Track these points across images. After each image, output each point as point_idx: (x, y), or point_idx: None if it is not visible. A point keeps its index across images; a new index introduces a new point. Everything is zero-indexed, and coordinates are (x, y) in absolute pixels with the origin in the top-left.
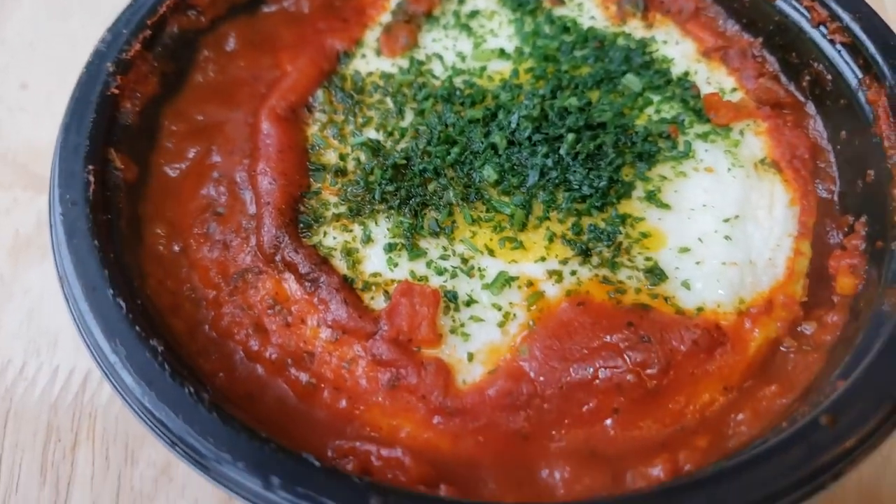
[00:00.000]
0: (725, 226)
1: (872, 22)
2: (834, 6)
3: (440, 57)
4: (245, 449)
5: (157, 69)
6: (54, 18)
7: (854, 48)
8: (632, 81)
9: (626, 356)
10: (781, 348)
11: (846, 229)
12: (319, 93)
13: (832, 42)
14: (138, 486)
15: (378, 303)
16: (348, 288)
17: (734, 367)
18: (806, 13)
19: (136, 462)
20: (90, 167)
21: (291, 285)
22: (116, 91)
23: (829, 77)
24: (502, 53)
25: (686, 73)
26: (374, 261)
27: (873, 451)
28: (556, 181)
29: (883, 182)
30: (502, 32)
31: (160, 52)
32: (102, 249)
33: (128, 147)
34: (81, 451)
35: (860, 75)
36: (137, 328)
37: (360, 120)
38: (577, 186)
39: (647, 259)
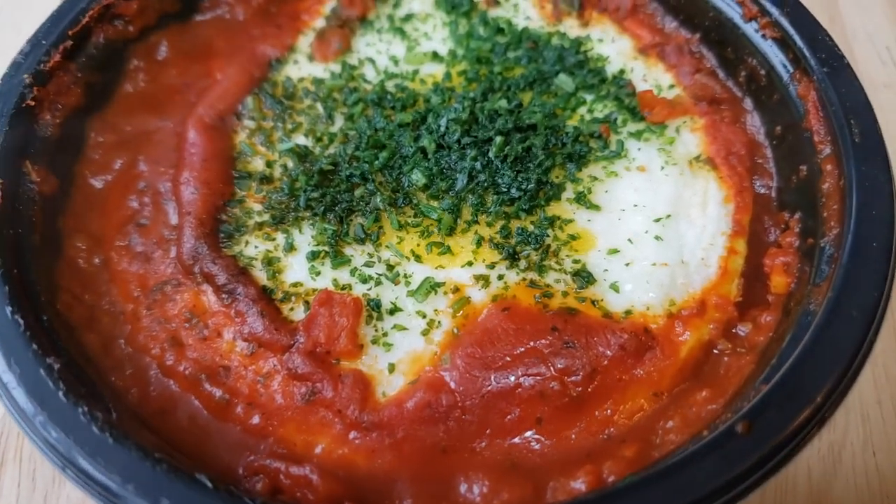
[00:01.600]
0: (657, 225)
1: (800, 16)
2: (763, 1)
3: (373, 61)
4: (136, 470)
5: (81, 80)
6: None
7: (784, 42)
8: (564, 82)
9: (549, 363)
10: (715, 351)
11: (783, 226)
12: (249, 100)
13: (764, 37)
14: None
15: (297, 314)
16: (266, 299)
17: (664, 371)
18: (738, 8)
19: (64, 483)
20: None
21: (209, 297)
22: (33, 103)
23: (763, 72)
24: (435, 56)
25: (622, 71)
26: (295, 270)
27: (793, 458)
28: (485, 184)
29: (814, 178)
30: (436, 35)
31: (85, 62)
32: (4, 265)
33: (47, 159)
34: (7, 472)
35: (791, 69)
36: (35, 346)
37: (288, 126)
38: (505, 189)
39: (576, 262)
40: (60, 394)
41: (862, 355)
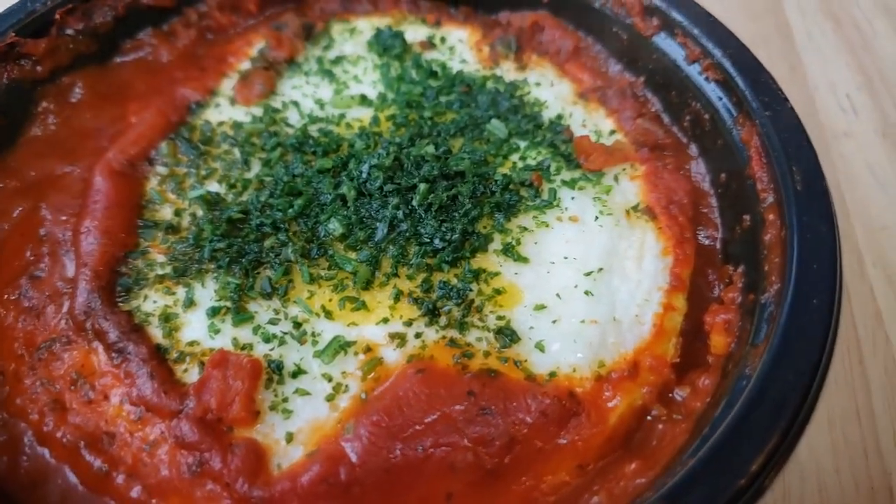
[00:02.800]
0: (587, 280)
1: (742, 57)
2: (705, 42)
3: (297, 104)
4: None
5: None
6: None
7: (726, 85)
8: (497, 127)
9: (463, 431)
10: (648, 417)
11: (727, 280)
12: (163, 145)
13: (707, 79)
14: None
15: (191, 375)
16: (159, 359)
17: (590, 440)
18: (682, 50)
19: None
20: None
21: (100, 356)
22: None
23: (707, 116)
24: (364, 100)
25: (559, 117)
26: (194, 327)
27: None
28: (407, 234)
29: (757, 228)
30: (367, 78)
31: None
32: None
33: None
34: None
35: (734, 113)
36: None
37: (202, 172)
38: (428, 240)
39: (500, 318)
40: None
41: (800, 423)
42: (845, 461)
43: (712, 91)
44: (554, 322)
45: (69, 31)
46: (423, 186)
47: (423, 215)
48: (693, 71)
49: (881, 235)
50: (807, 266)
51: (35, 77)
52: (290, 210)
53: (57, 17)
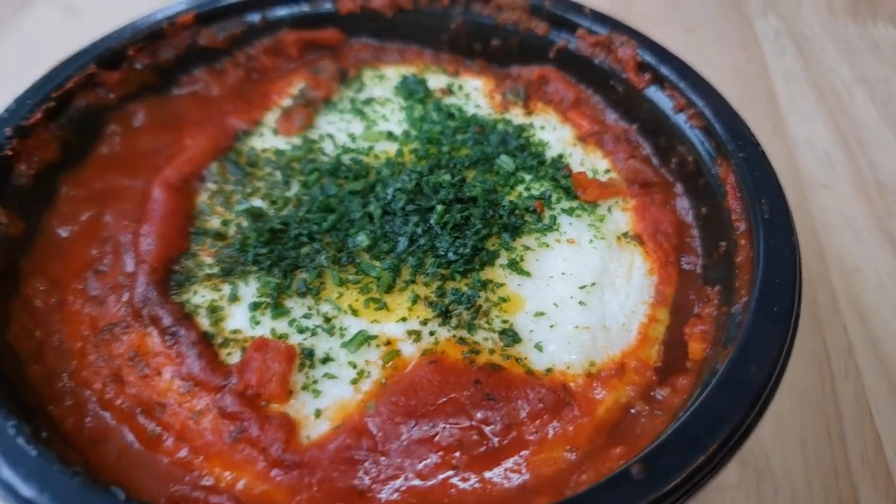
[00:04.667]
0: (581, 292)
1: (722, 108)
2: (690, 94)
3: (332, 137)
4: (54, 481)
5: (59, 138)
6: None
7: (707, 131)
8: (505, 162)
9: (470, 413)
10: (632, 411)
11: (705, 299)
12: (214, 165)
13: (691, 126)
14: None
15: (234, 358)
16: (206, 343)
17: (580, 428)
18: (670, 101)
19: None
20: None
21: (154, 339)
22: (10, 153)
23: (691, 158)
24: (390, 136)
25: (560, 156)
26: (237, 318)
27: (687, 500)
28: (425, 248)
29: (731, 252)
30: (393, 117)
31: (64, 123)
32: None
33: (17, 205)
34: None
35: (714, 155)
36: None
37: (247, 190)
38: (443, 253)
39: (504, 321)
40: None
41: (758, 409)
42: (816, 476)
43: (695, 136)
44: (551, 327)
45: (137, 65)
46: (440, 208)
47: (440, 232)
48: (679, 119)
49: (854, 277)
50: (770, 280)
51: (107, 103)
52: (324, 224)
53: (130, 52)
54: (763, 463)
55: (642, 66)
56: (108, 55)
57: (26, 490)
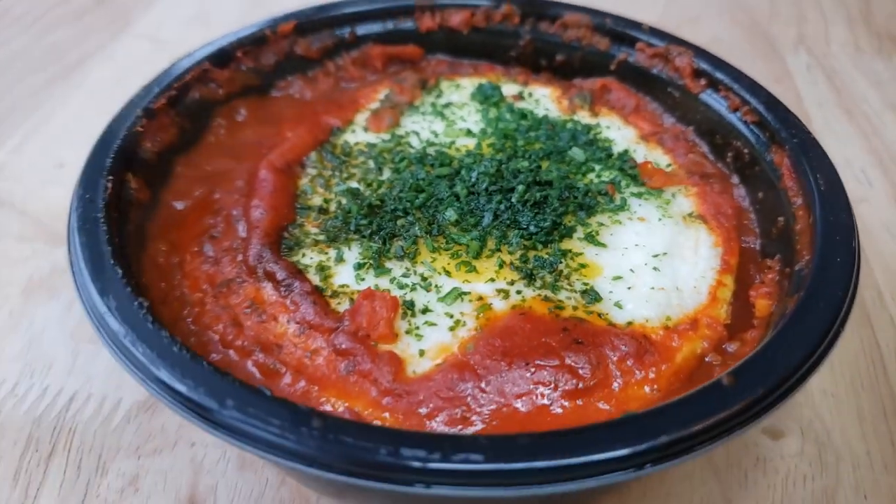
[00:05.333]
0: (654, 260)
1: (772, 102)
2: (743, 93)
3: (417, 133)
4: (207, 379)
5: (176, 123)
6: (103, 114)
7: (761, 124)
8: (577, 153)
9: (560, 356)
10: (706, 359)
11: (767, 269)
12: (313, 154)
13: (745, 123)
14: (104, 495)
15: (343, 307)
16: (318, 293)
17: (660, 373)
18: (724, 102)
19: (106, 473)
20: (110, 178)
21: (269, 291)
22: (140, 130)
23: (746, 150)
24: (469, 132)
25: (626, 151)
26: (343, 276)
27: (772, 409)
28: (507, 222)
29: (790, 224)
30: (470, 118)
31: (181, 110)
32: (109, 231)
33: (143, 175)
34: (56, 461)
35: (768, 145)
36: (128, 288)
37: (344, 175)
38: (525, 226)
39: (585, 284)
40: (147, 322)
41: (831, 337)
42: (875, 447)
43: (750, 131)
44: (629, 288)
45: (243, 67)
46: (520, 188)
47: (521, 209)
48: (734, 118)
49: None
50: (831, 237)
51: (215, 98)
52: (416, 201)
53: (238, 54)
54: (824, 436)
55: (698, 73)
56: (220, 55)
57: (182, 387)
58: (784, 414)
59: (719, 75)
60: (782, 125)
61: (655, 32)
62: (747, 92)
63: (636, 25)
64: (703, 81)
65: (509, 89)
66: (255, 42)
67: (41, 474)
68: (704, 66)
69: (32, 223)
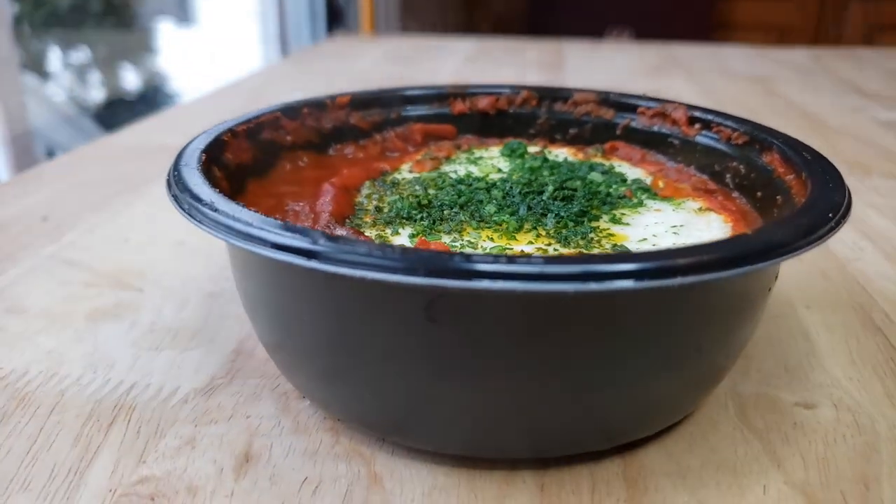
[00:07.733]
0: (673, 229)
1: (758, 126)
2: (730, 123)
3: (456, 171)
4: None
5: (251, 149)
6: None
7: (750, 143)
8: (595, 176)
9: None
10: None
11: None
12: (367, 183)
13: (737, 146)
14: (162, 450)
15: None
16: None
17: None
18: (717, 136)
19: (164, 436)
20: (203, 156)
21: None
22: (226, 140)
23: (742, 166)
24: (499, 170)
25: (638, 179)
26: (400, 242)
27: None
28: (541, 212)
29: (785, 195)
30: (500, 163)
31: (255, 142)
32: (203, 174)
33: (224, 174)
34: (116, 427)
35: (759, 152)
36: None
37: (395, 195)
38: (556, 213)
39: (614, 245)
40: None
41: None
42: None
43: (741, 151)
44: (653, 246)
45: (307, 123)
46: (549, 188)
47: (551, 203)
48: (726, 146)
49: None
50: (820, 176)
51: (282, 143)
52: (459, 200)
53: (304, 110)
54: (855, 406)
55: (692, 120)
56: (288, 109)
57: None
58: (815, 390)
59: (710, 117)
60: (769, 135)
61: (652, 98)
62: (734, 122)
63: (636, 95)
64: (697, 126)
65: (532, 148)
66: (317, 106)
67: (102, 437)
68: (697, 114)
69: (99, 276)
